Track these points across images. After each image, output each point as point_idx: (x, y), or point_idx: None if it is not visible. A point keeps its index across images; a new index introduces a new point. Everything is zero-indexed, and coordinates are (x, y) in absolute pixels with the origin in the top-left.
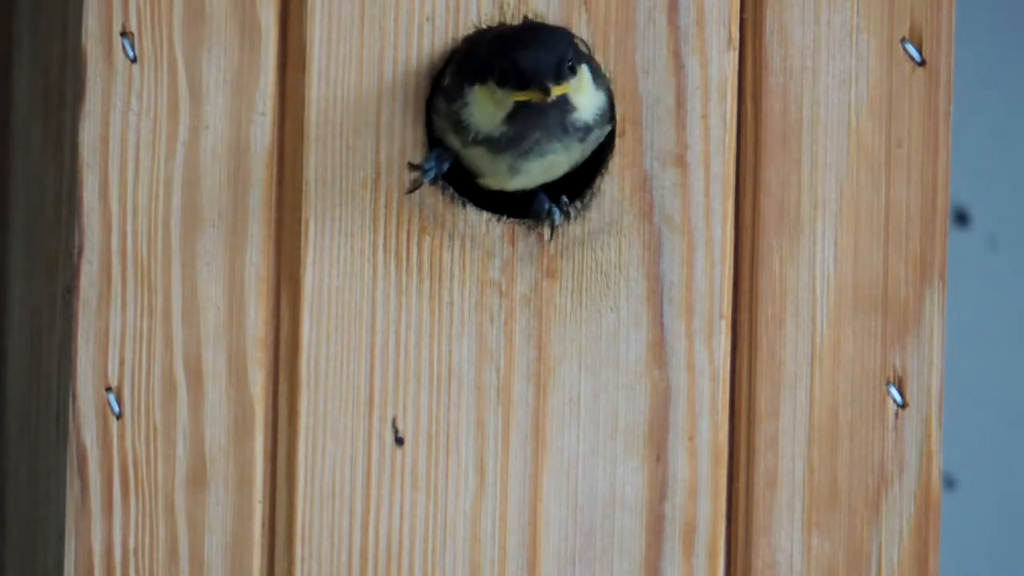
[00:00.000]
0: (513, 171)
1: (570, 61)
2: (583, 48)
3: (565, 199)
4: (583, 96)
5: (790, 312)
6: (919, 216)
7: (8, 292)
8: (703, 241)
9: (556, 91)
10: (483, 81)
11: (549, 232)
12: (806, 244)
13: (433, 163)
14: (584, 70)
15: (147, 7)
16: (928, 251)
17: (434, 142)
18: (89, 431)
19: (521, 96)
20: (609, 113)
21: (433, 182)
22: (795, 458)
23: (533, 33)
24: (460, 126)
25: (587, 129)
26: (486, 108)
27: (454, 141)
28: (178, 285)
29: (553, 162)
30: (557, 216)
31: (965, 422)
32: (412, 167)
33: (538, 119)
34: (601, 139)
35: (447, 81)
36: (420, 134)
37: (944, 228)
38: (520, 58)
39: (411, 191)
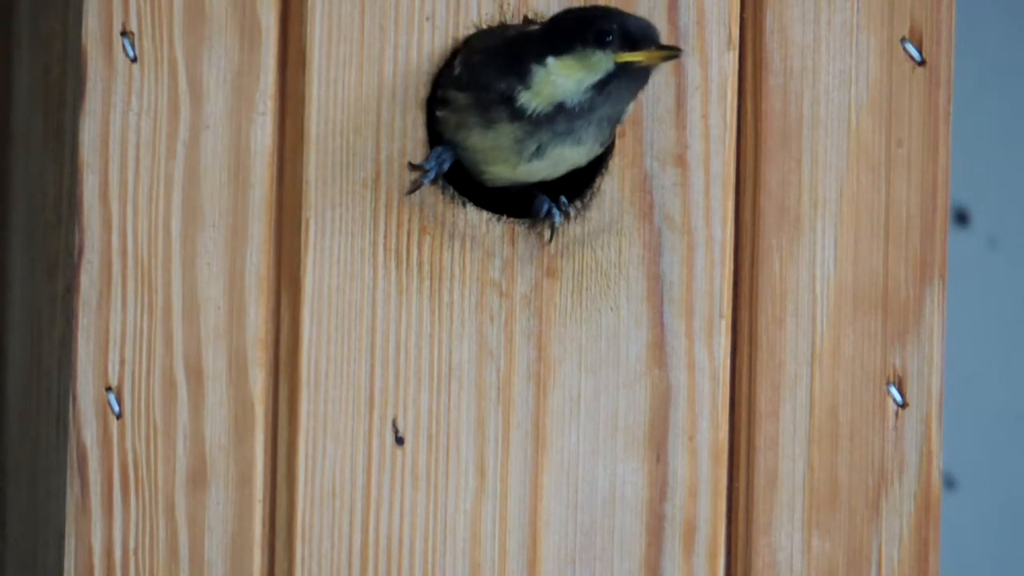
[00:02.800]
0: (538, 154)
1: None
2: None
3: (565, 200)
4: None
5: (790, 312)
6: (919, 216)
7: (8, 292)
8: (703, 241)
9: (659, 55)
10: (563, 52)
11: (549, 233)
12: (806, 244)
13: (434, 163)
14: None
15: (147, 7)
16: (928, 251)
17: (435, 142)
18: (89, 431)
19: (629, 57)
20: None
21: (433, 182)
22: (795, 458)
23: (608, 9)
24: (509, 107)
25: (619, 121)
26: (569, 77)
27: (473, 131)
28: (178, 285)
29: (575, 154)
30: (557, 218)
31: (965, 422)
32: (412, 167)
33: (625, 91)
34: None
35: (463, 70)
36: (420, 134)
37: (944, 228)
38: (628, 20)
39: (411, 191)
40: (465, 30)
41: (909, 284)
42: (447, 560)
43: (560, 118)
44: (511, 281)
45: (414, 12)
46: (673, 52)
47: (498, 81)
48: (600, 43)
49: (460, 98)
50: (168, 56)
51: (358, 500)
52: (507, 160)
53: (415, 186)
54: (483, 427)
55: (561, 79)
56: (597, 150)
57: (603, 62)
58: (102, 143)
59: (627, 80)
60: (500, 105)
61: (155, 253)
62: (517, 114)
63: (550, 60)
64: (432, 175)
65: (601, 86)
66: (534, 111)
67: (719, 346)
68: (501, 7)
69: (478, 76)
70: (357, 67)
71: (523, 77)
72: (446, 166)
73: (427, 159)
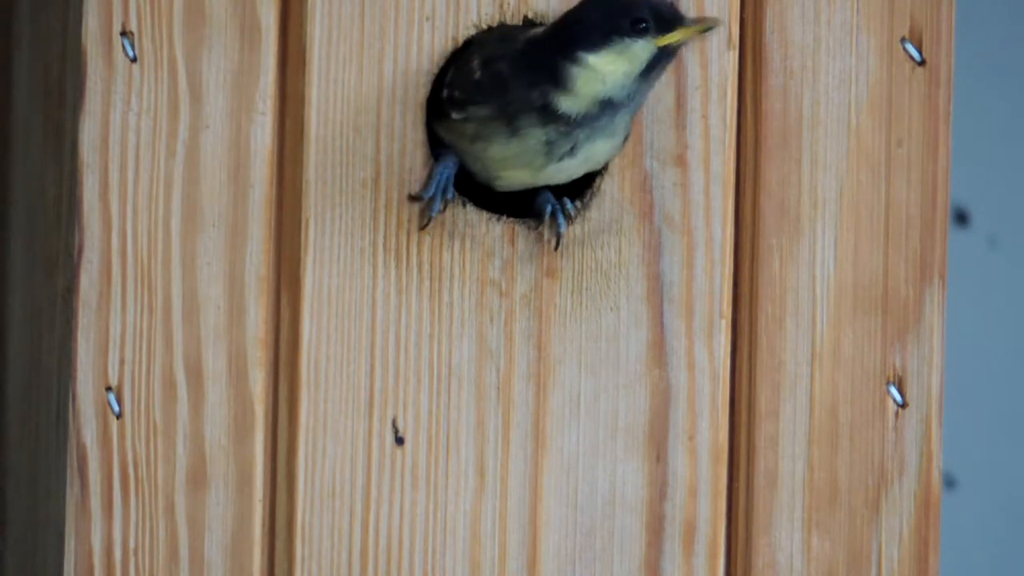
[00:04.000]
0: (571, 153)
1: None
2: None
3: (569, 202)
4: None
5: (790, 312)
6: (919, 216)
7: (8, 292)
8: (703, 241)
9: (696, 29)
10: (599, 46)
11: (555, 241)
12: (806, 244)
13: (434, 190)
14: None
15: (147, 7)
16: (928, 251)
17: (434, 142)
18: (89, 431)
19: (670, 38)
20: None
21: (442, 211)
22: (795, 458)
23: None
24: (542, 113)
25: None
26: (615, 71)
27: (494, 141)
28: (178, 285)
29: (606, 148)
30: (562, 225)
31: (965, 422)
32: (412, 199)
33: (661, 73)
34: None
35: (484, 76)
36: (420, 134)
37: (944, 228)
38: (653, 1)
39: (424, 227)
40: (465, 30)
41: (909, 284)
42: (447, 560)
43: (604, 113)
44: (511, 281)
45: (414, 12)
46: (710, 23)
47: (527, 90)
48: (637, 31)
49: (481, 109)
50: (168, 56)
51: (358, 500)
52: (531, 164)
53: (426, 221)
54: (483, 427)
55: (608, 74)
56: (621, 143)
57: (645, 49)
58: (102, 143)
59: (664, 62)
60: (530, 112)
61: (155, 253)
62: (552, 118)
63: (589, 57)
64: (438, 206)
65: (647, 73)
66: (578, 114)
67: (719, 346)
68: (501, 7)
69: (504, 86)
70: (357, 67)
71: (558, 81)
72: (450, 194)
73: (426, 186)
